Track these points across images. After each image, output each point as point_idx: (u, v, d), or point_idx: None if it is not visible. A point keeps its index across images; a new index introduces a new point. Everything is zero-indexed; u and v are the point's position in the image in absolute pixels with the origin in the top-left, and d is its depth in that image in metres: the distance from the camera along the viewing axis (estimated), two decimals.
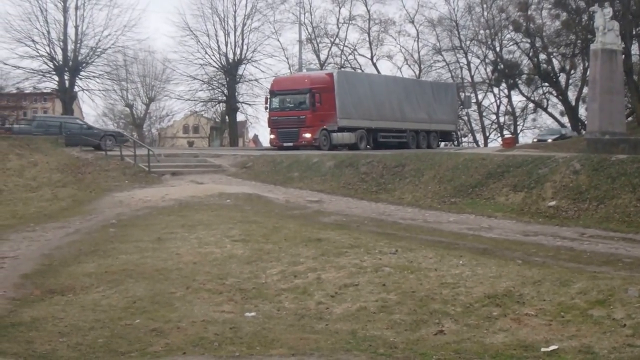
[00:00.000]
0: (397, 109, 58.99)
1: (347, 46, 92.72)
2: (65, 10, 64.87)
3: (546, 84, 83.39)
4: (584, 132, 59.31)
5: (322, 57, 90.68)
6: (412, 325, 13.47)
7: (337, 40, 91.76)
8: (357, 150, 50.43)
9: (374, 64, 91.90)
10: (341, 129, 53.00)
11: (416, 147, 57.40)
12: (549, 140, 64.84)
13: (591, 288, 14.20)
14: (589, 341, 11.83)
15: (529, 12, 79.13)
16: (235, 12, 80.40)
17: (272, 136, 54.76)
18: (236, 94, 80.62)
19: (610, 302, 13.42)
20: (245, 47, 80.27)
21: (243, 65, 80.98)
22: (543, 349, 11.66)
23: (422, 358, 11.65)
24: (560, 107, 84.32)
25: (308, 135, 51.30)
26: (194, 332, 13.17)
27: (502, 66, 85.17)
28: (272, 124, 54.50)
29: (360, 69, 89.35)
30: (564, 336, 12.17)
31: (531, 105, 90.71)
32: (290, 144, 51.39)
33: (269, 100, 55.50)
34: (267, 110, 55.85)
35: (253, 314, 14.62)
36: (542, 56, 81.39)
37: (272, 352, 12.10)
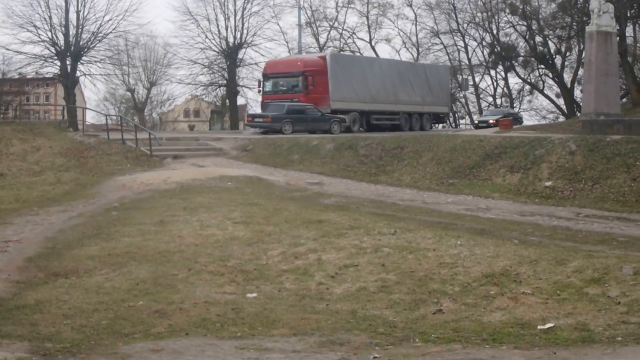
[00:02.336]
0: (390, 92, 58.85)
1: (345, 30, 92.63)
2: None
3: (542, 66, 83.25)
4: (579, 113, 59.25)
5: (322, 40, 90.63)
6: (411, 304, 13.65)
7: (336, 24, 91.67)
8: (350, 132, 50.38)
9: (373, 48, 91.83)
10: (334, 112, 52.95)
11: (409, 129, 57.27)
12: (491, 121, 63.29)
13: (587, 267, 14.35)
14: (584, 319, 11.99)
15: None
16: None
17: None
18: (236, 77, 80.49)
19: (606, 280, 13.58)
20: (245, 31, 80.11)
21: (243, 49, 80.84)
22: (539, 327, 11.82)
23: (421, 337, 11.80)
24: (556, 89, 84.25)
25: None
26: (197, 313, 13.32)
27: (498, 49, 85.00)
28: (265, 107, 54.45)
29: (359, 52, 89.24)
30: (560, 314, 12.33)
31: (527, 87, 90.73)
32: None
33: (262, 83, 55.49)
34: (261, 93, 55.91)
35: (254, 294, 14.79)
36: (538, 39, 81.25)
37: (273, 332, 12.27)
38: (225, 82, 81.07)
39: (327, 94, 52.79)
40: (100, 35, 64.57)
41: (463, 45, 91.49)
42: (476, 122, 69.45)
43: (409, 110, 59.47)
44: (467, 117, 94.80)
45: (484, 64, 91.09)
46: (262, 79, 55.96)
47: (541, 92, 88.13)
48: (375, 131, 51.42)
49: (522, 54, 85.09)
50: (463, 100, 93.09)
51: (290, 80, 52.97)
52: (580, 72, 70.20)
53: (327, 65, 54.04)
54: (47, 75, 73.14)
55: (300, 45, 78.22)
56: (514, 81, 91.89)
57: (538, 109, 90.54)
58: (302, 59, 56.87)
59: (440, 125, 70.00)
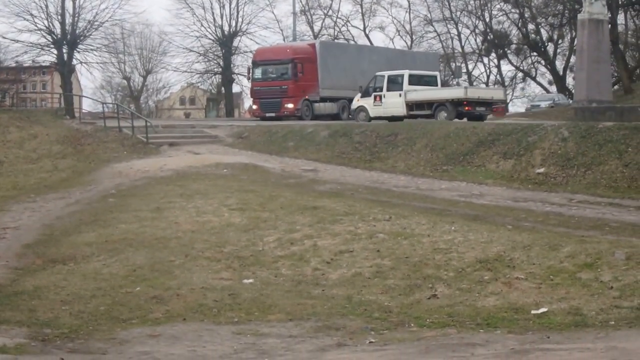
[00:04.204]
0: None
1: (340, 18, 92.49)
2: None
3: (535, 53, 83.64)
4: (571, 100, 59.46)
5: (316, 28, 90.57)
6: (406, 289, 13.80)
7: (330, 12, 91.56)
8: (340, 120, 50.35)
9: (367, 36, 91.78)
10: (323, 99, 52.66)
11: None
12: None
13: (579, 252, 14.48)
14: (577, 303, 12.16)
15: None
16: None
17: (255, 107, 54.64)
18: (232, 65, 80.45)
19: (598, 265, 13.73)
20: (240, 19, 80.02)
21: (238, 37, 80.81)
22: (533, 311, 11.99)
23: (416, 322, 11.97)
24: (549, 76, 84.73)
25: (290, 105, 51.02)
26: (194, 299, 13.48)
27: (491, 36, 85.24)
28: (255, 95, 54.26)
29: (353, 40, 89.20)
30: (553, 299, 12.49)
31: (520, 74, 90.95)
32: (273, 114, 50.98)
33: (251, 70, 55.46)
34: (250, 81, 55.91)
35: (251, 280, 14.94)
36: (531, 26, 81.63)
37: (270, 317, 12.43)
38: (220, 70, 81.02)
39: (317, 81, 52.61)
40: (96, 23, 64.67)
41: (456, 33, 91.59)
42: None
43: None
44: None
45: (477, 51, 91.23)
46: (251, 66, 55.90)
47: (534, 79, 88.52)
48: None
49: (514, 42, 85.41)
50: None
51: (279, 68, 52.73)
52: (573, 59, 70.55)
53: (317, 52, 53.92)
54: (43, 64, 73.31)
55: (294, 33, 78.01)
56: (506, 68, 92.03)
57: (530, 97, 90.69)
58: (292, 47, 56.82)
59: None
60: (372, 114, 44.37)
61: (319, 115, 51.27)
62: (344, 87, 54.27)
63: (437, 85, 46.99)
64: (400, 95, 43.53)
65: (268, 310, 12.82)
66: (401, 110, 42.96)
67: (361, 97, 46.19)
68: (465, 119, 40.22)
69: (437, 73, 49.17)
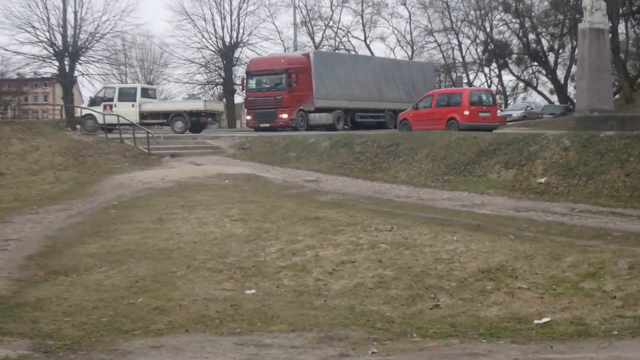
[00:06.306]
0: (375, 89, 58.58)
1: (340, 28, 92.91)
2: None
3: (535, 63, 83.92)
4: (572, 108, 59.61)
5: (317, 39, 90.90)
6: (408, 300, 13.76)
7: (331, 23, 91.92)
8: (335, 130, 50.24)
9: (368, 46, 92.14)
10: (318, 110, 52.62)
11: (394, 127, 57.07)
12: None
13: (582, 261, 14.45)
14: (580, 313, 12.13)
15: None
16: None
17: (249, 117, 54.41)
18: (233, 76, 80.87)
19: (601, 274, 13.70)
20: (241, 30, 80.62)
21: (239, 49, 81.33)
22: (536, 321, 11.96)
23: (418, 332, 11.93)
24: (550, 85, 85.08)
25: (285, 115, 50.85)
26: (196, 310, 13.44)
27: (492, 46, 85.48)
28: (249, 105, 54.18)
29: (354, 50, 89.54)
30: (556, 308, 12.46)
31: (521, 84, 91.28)
32: (267, 125, 50.91)
33: (245, 80, 55.49)
34: (244, 91, 55.96)
35: (253, 291, 14.90)
36: (532, 36, 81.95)
37: (272, 328, 12.38)
38: (221, 81, 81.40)
39: (311, 91, 52.46)
40: (97, 35, 65.12)
41: (457, 43, 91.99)
42: None
43: (393, 108, 58.94)
44: None
45: (478, 61, 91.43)
46: (245, 77, 55.95)
47: (535, 89, 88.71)
48: (359, 129, 51.48)
49: (515, 52, 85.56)
50: None
51: (273, 78, 52.56)
52: (574, 68, 70.64)
53: (311, 63, 53.85)
54: (45, 75, 73.60)
55: (295, 45, 78.19)
56: (507, 78, 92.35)
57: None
58: (286, 57, 56.71)
59: None
60: (101, 122, 49.67)
61: (314, 126, 51.29)
62: (339, 97, 54.46)
63: (155, 98, 55.40)
64: (133, 105, 51.05)
65: (270, 321, 12.78)
66: (134, 119, 48.13)
67: (89, 105, 53.24)
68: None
69: (155, 87, 57.38)
